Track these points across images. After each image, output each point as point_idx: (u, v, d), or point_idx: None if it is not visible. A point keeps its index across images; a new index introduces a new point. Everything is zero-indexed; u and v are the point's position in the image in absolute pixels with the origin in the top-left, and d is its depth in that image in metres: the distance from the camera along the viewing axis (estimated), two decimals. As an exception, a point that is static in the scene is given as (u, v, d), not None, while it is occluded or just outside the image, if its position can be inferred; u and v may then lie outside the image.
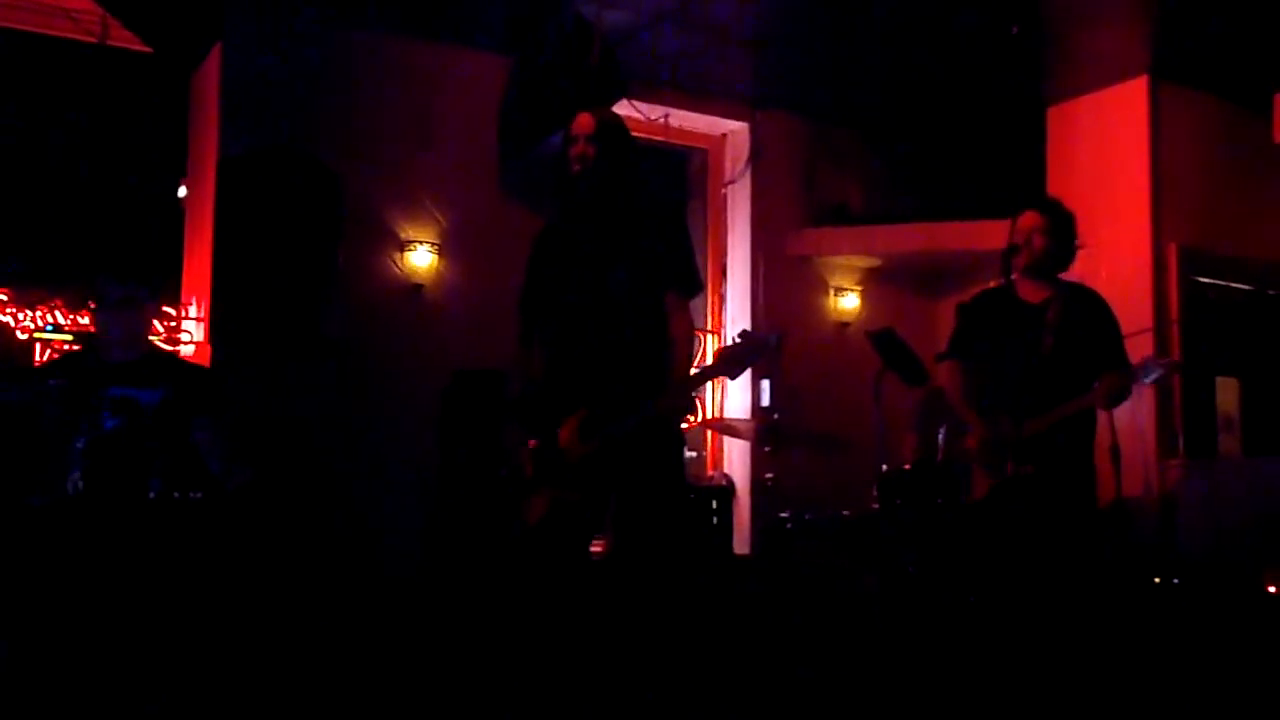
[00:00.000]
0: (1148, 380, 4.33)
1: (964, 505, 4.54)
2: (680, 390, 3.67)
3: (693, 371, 3.85)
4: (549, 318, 3.81)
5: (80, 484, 3.79)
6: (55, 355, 6.14)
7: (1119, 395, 4.27)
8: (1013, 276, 4.50)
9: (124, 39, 6.41)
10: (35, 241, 6.56)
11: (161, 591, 3.76)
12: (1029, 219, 4.46)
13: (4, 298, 6.27)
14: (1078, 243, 4.56)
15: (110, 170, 6.72)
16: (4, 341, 6.22)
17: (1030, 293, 4.46)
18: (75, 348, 6.21)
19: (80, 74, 6.69)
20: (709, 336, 8.28)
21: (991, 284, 4.67)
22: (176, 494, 4.12)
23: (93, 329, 4.28)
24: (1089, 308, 4.46)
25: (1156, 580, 5.56)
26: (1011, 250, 4.46)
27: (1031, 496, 4.29)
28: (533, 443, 3.70)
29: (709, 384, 8.18)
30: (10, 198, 6.57)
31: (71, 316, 6.37)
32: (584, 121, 3.77)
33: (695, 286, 3.85)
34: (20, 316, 6.26)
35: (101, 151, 6.72)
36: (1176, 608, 5.42)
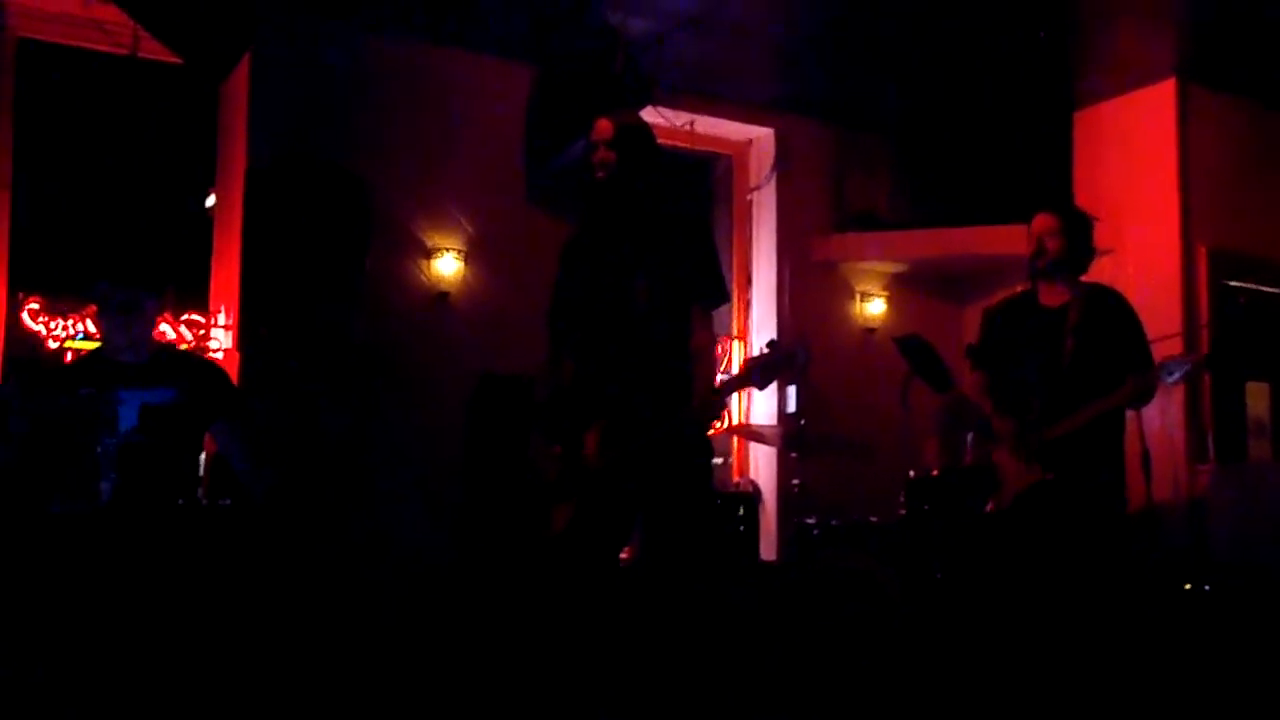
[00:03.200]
0: (1172, 379, 4.28)
1: (990, 513, 4.50)
2: (708, 400, 3.66)
3: (720, 380, 3.85)
4: (575, 326, 3.81)
5: (109, 492, 3.82)
6: (75, 358, 6.17)
7: (1144, 395, 4.25)
8: (1035, 282, 4.50)
9: (154, 51, 6.47)
10: (66, 250, 6.63)
11: (190, 598, 3.79)
12: (1041, 221, 4.46)
13: (35, 306, 6.33)
14: (1099, 246, 4.55)
15: (140, 180, 6.78)
16: (35, 350, 6.28)
17: (1050, 297, 4.45)
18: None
19: (111, 85, 6.75)
20: (735, 343, 8.27)
21: (1018, 289, 4.65)
22: (204, 501, 4.15)
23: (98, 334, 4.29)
24: (1110, 308, 4.43)
25: (1187, 586, 5.52)
26: (1036, 255, 4.45)
27: (1057, 502, 4.26)
28: (558, 450, 3.71)
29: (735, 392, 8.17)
30: (41, 207, 6.64)
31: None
32: (603, 127, 3.76)
33: (721, 297, 3.84)
34: (51, 325, 6.32)
35: (131, 161, 6.78)
36: (1207, 613, 5.37)
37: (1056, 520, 4.25)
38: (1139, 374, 4.22)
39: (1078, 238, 4.45)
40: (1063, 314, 4.38)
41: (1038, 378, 4.36)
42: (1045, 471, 4.26)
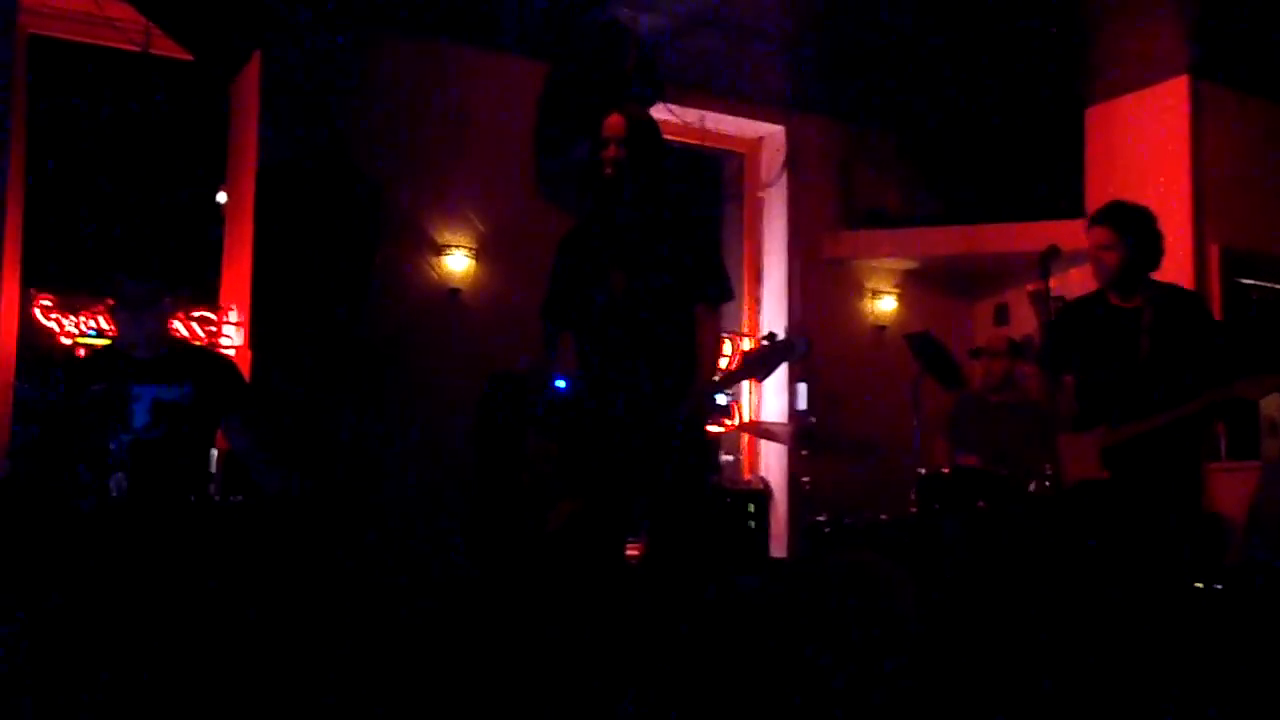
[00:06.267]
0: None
1: (1044, 499, 4.38)
2: (700, 397, 3.64)
3: (718, 375, 3.84)
4: (578, 321, 3.80)
5: (123, 486, 3.83)
6: (87, 354, 6.19)
7: (1220, 411, 4.16)
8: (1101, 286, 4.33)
9: (166, 48, 6.48)
10: (78, 247, 6.64)
11: (202, 593, 3.80)
12: (1094, 235, 4.28)
13: (48, 303, 6.35)
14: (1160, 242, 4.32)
15: (152, 177, 6.80)
16: (48, 346, 6.30)
17: (1122, 298, 4.30)
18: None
19: (123, 82, 6.77)
20: (745, 340, 8.25)
21: (1028, 287, 4.60)
22: (217, 497, 4.16)
23: (113, 329, 4.30)
24: (1187, 310, 4.31)
25: (1199, 585, 5.49)
26: (1050, 253, 4.36)
27: (1113, 505, 4.16)
28: (554, 449, 3.70)
29: (745, 388, 8.17)
30: (54, 204, 6.66)
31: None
32: (615, 123, 3.75)
33: (725, 295, 3.82)
34: (64, 322, 6.34)
35: (144, 158, 6.80)
36: (1220, 613, 5.35)
37: (1109, 521, 4.15)
38: (1215, 390, 4.07)
39: (1138, 244, 4.24)
40: (1137, 314, 4.23)
41: (1113, 378, 4.23)
42: (1103, 471, 4.15)
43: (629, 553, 3.88)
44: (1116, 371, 4.24)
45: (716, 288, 3.78)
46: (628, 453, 3.58)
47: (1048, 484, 4.41)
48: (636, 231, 3.75)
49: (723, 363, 5.04)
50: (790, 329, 7.98)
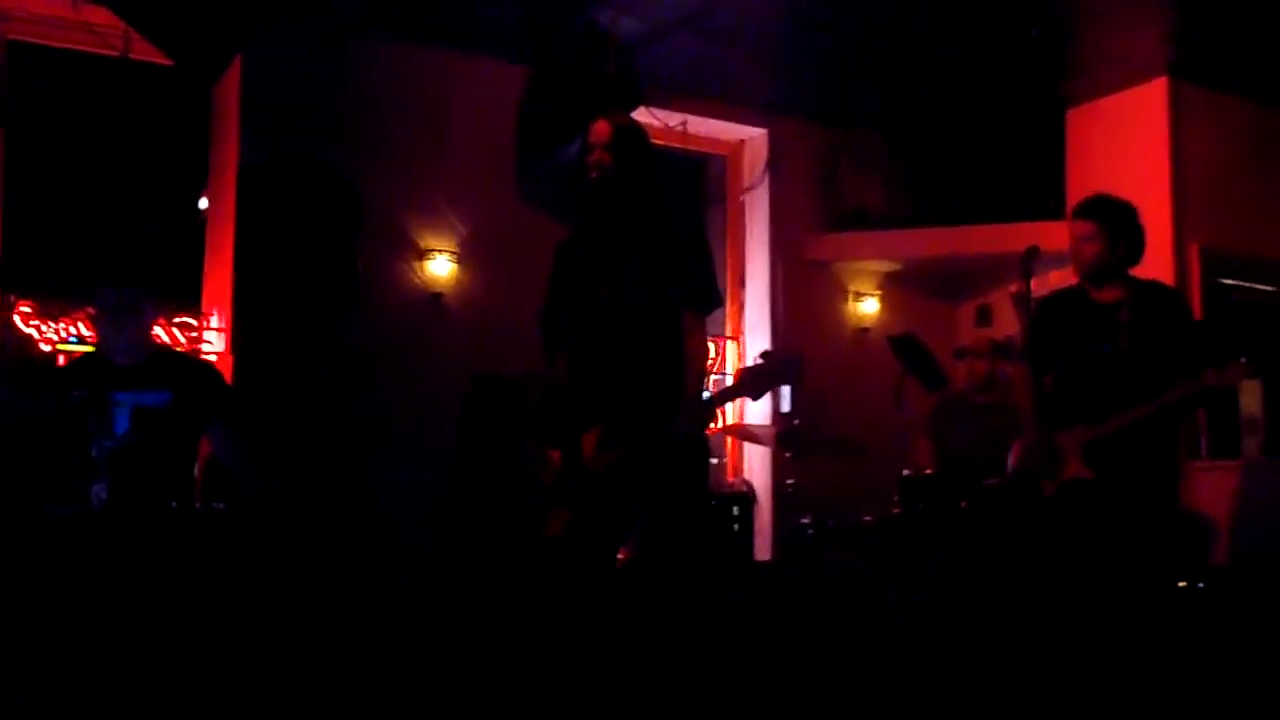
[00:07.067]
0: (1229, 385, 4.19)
1: (1031, 503, 4.40)
2: (695, 410, 3.65)
3: (712, 390, 3.85)
4: (568, 329, 3.80)
5: (103, 495, 3.81)
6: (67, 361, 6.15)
7: (1196, 400, 4.17)
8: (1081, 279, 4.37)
9: (146, 53, 6.46)
10: (58, 254, 6.61)
11: (184, 601, 3.78)
12: (1076, 227, 4.32)
13: (28, 310, 6.32)
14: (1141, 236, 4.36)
15: (132, 182, 6.77)
16: (27, 353, 6.26)
17: (1102, 293, 4.33)
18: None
19: (103, 88, 6.74)
20: (729, 343, 8.27)
21: (1012, 287, 4.61)
22: (199, 504, 4.14)
23: (93, 336, 4.29)
24: (1165, 306, 4.33)
25: (1182, 584, 5.52)
26: (1030, 254, 4.38)
27: (1096, 503, 4.18)
28: (555, 454, 3.70)
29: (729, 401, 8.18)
30: (33, 211, 6.63)
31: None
32: (601, 129, 3.76)
33: (713, 303, 3.82)
34: (44, 328, 6.31)
35: (124, 164, 6.77)
36: (1202, 612, 5.38)
37: (1094, 521, 4.18)
38: (1188, 380, 4.11)
39: (1120, 237, 4.28)
40: (1115, 310, 4.27)
41: (1090, 373, 4.26)
42: (1087, 470, 4.17)
43: (617, 557, 3.88)
44: (1095, 365, 4.27)
45: (704, 295, 3.78)
46: (621, 459, 3.57)
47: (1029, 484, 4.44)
48: (623, 237, 3.75)
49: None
50: (775, 331, 7.99)
